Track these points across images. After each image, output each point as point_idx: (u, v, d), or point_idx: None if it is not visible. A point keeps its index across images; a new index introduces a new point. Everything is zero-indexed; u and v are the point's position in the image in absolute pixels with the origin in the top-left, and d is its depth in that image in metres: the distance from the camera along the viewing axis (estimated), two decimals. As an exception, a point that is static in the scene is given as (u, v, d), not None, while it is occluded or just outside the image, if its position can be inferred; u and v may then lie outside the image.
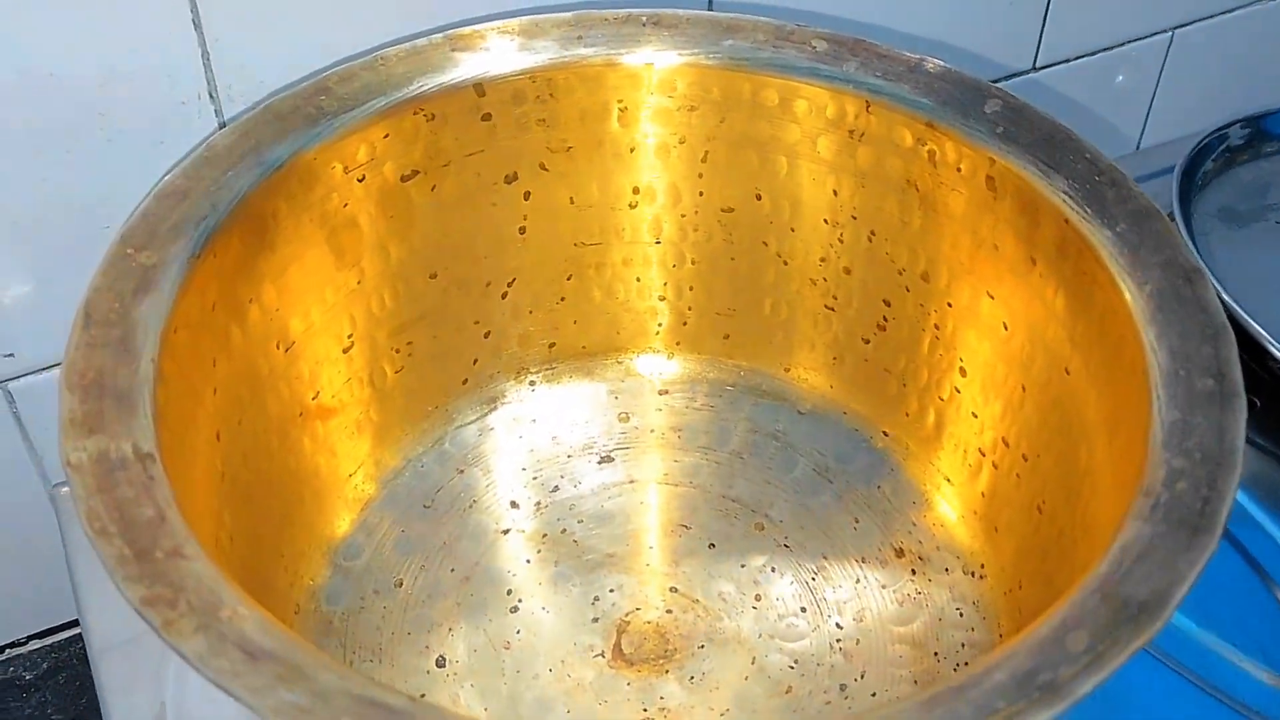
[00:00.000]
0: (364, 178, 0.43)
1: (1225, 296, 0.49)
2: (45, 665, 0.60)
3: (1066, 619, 0.28)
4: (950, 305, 0.45)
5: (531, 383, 0.51)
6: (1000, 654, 0.27)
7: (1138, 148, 0.71)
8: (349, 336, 0.45)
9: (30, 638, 0.60)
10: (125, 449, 0.30)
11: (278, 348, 0.41)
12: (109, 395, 0.31)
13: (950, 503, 0.47)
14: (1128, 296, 0.36)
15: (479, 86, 0.44)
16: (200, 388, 0.36)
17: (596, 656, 0.43)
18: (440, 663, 0.43)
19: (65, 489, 0.51)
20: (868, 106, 0.44)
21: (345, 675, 0.26)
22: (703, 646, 0.43)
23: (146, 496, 0.29)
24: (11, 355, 0.50)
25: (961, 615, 0.44)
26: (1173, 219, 0.55)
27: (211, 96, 0.46)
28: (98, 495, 0.29)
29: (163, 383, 0.32)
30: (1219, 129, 0.60)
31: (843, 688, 0.42)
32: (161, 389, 0.32)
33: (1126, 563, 0.29)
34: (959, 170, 0.43)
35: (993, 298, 0.43)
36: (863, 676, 0.42)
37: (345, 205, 0.42)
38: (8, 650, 0.60)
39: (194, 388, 0.36)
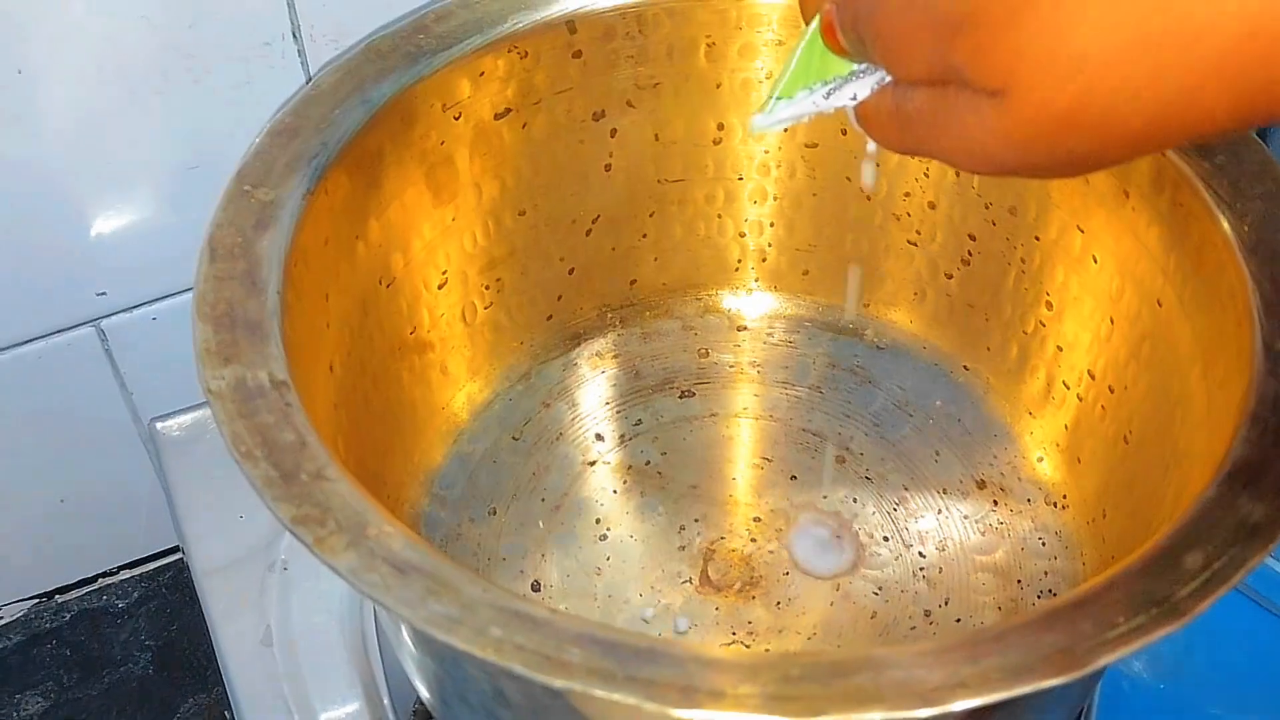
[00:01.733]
0: (460, 115, 0.43)
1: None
2: (136, 594, 0.62)
3: (1179, 540, 0.28)
4: (1038, 239, 0.45)
5: (613, 319, 0.52)
6: (1116, 571, 0.28)
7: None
8: (443, 273, 0.46)
9: (121, 568, 0.62)
10: (261, 377, 0.31)
11: (380, 283, 0.42)
12: (240, 326, 0.32)
13: (1032, 435, 0.47)
14: (1226, 227, 0.36)
15: (570, 23, 0.44)
16: (317, 321, 0.37)
17: (684, 583, 0.44)
18: (535, 587, 0.44)
19: (162, 424, 0.52)
20: (956, 40, 0.44)
21: (488, 588, 0.27)
22: (787, 574, 0.44)
23: (286, 422, 0.30)
24: (104, 294, 0.51)
25: (1044, 545, 0.45)
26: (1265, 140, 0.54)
27: (295, 36, 0.47)
28: (239, 420, 0.30)
29: (288, 314, 0.34)
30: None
31: (927, 613, 0.43)
32: (288, 321, 0.33)
33: (1237, 485, 0.29)
34: (1049, 104, 0.43)
35: (1082, 231, 0.43)
36: (946, 603, 0.44)
37: (442, 143, 0.43)
38: (100, 579, 0.62)
39: (312, 321, 0.37)
